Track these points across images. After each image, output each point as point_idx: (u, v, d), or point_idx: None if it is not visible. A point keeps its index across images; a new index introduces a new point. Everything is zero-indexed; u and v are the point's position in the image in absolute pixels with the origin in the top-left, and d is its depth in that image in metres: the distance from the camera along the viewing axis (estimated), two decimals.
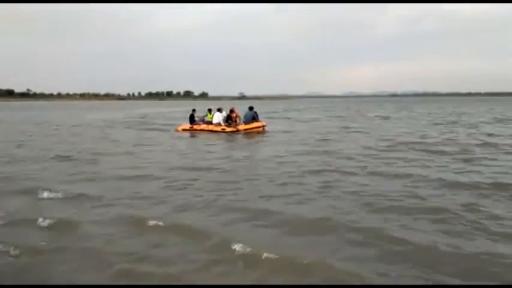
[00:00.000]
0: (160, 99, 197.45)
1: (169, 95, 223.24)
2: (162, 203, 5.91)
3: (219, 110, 17.41)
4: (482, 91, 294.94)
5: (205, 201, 5.92)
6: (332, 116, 31.42)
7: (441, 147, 11.52)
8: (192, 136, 16.40)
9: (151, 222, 4.90)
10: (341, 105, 73.00)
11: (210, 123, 17.50)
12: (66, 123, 25.39)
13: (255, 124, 17.06)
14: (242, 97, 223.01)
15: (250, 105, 19.04)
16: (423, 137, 14.69)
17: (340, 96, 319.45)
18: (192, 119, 18.09)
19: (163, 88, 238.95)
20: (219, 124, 17.05)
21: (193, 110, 18.54)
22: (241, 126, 16.78)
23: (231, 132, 16.40)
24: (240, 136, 15.75)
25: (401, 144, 12.49)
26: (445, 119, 26.01)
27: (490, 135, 15.09)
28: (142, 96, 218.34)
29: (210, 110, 18.30)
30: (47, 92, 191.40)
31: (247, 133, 16.41)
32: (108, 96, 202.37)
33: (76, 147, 12.71)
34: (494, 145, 12.01)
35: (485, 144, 12.19)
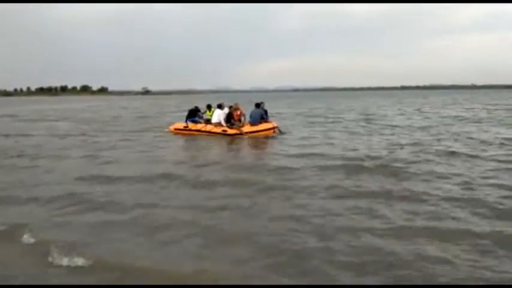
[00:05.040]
0: (54, 94, 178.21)
1: (64, 90, 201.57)
2: None
3: (220, 107, 13.59)
4: (373, 86, 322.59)
5: None
6: None
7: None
8: (185, 142, 12.34)
9: None
10: (245, 99, 68.27)
11: (209, 121, 13.71)
12: None
13: (263, 125, 13.33)
14: (146, 92, 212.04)
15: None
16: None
17: (248, 91, 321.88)
18: (189, 117, 14.22)
19: (56, 82, 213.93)
20: (219, 124, 13.25)
21: (196, 108, 14.68)
22: (246, 128, 13.10)
23: (234, 135, 12.74)
24: (244, 142, 12.07)
25: None
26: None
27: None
28: (32, 91, 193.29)
29: (209, 107, 14.34)
30: None
31: (253, 137, 12.73)
32: None
33: None
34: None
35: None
